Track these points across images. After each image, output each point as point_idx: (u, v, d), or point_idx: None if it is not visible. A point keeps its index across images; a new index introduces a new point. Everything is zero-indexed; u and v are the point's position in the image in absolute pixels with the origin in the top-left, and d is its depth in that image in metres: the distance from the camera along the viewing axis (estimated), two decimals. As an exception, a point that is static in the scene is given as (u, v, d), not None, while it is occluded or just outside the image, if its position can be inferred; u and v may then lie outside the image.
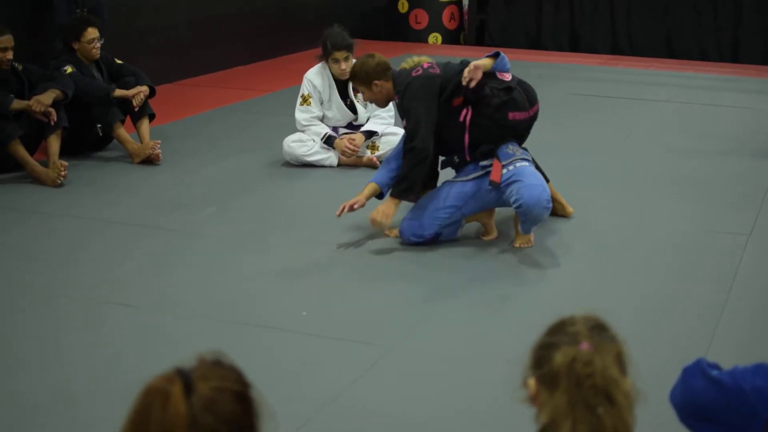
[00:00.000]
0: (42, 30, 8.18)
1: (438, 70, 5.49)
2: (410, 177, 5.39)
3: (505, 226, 5.67)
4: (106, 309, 4.58)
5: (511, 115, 5.43)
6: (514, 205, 5.28)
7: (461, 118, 5.42)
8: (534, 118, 5.60)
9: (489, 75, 5.43)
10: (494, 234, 5.58)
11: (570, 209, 5.92)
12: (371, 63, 5.59)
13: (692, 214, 6.09)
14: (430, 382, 3.92)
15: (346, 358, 4.11)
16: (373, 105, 6.25)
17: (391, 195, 5.44)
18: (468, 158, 5.49)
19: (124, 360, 4.03)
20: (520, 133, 5.59)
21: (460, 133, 5.43)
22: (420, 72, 5.48)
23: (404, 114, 5.48)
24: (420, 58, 5.74)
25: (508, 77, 5.49)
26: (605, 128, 8.47)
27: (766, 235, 5.73)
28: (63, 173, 6.43)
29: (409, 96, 5.43)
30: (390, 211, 5.39)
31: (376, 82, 5.56)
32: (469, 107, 5.42)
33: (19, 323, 4.43)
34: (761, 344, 4.30)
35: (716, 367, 2.43)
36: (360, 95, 6.03)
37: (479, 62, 5.37)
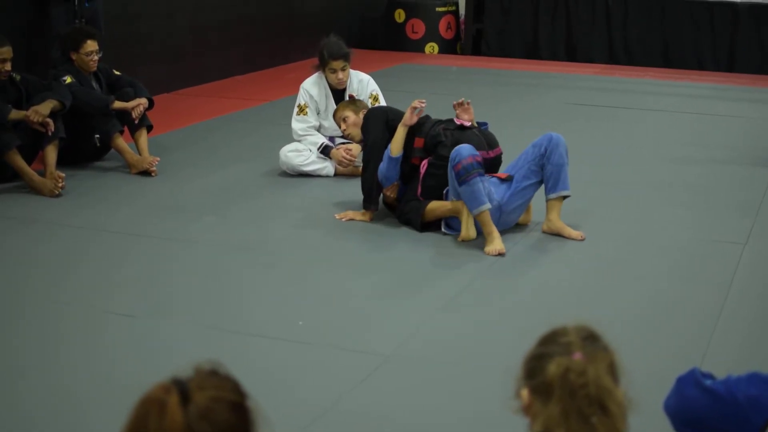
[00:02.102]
0: (37, 38, 8.18)
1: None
2: (364, 188, 6.04)
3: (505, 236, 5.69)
4: (103, 318, 4.58)
5: None
6: (546, 140, 5.74)
7: (420, 168, 5.90)
8: (496, 161, 5.93)
9: (447, 121, 5.96)
10: (466, 235, 5.61)
11: (529, 218, 6.00)
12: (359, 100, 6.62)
13: (689, 222, 6.11)
14: (427, 391, 3.92)
15: (343, 366, 4.12)
16: None
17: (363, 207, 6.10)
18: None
19: (121, 368, 4.04)
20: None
21: (415, 183, 5.91)
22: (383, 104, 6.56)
23: (362, 133, 6.19)
24: None
25: (466, 123, 5.91)
26: (601, 137, 8.49)
27: (762, 243, 5.75)
28: (60, 184, 6.44)
29: (365, 118, 6.17)
30: (358, 214, 6.07)
31: (364, 109, 6.33)
32: (426, 160, 5.88)
33: (17, 331, 4.44)
34: (757, 351, 4.31)
35: (710, 376, 2.45)
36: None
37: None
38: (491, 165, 5.84)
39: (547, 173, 5.72)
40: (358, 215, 6.05)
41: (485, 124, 6.06)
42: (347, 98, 7.03)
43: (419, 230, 5.79)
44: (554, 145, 5.72)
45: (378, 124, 6.02)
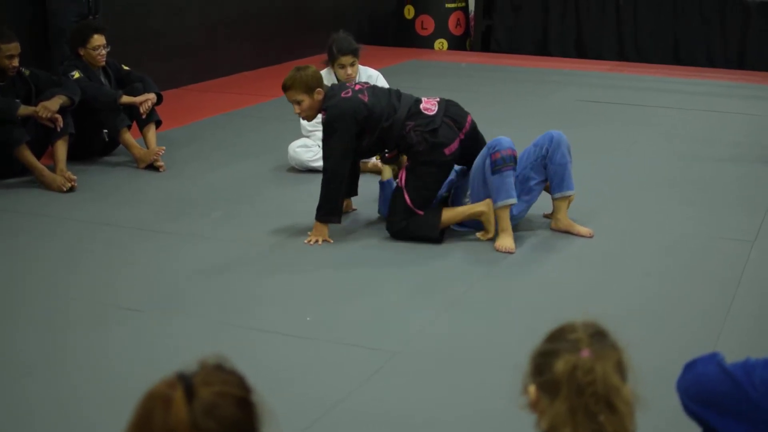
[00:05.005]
0: (37, 34, 8.15)
1: (366, 98, 5.56)
2: (328, 200, 5.55)
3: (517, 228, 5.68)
4: (110, 312, 4.59)
5: (447, 152, 5.58)
6: (546, 140, 5.64)
7: (400, 182, 5.65)
8: (471, 131, 5.71)
9: (414, 114, 5.58)
10: (491, 234, 5.60)
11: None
12: (309, 72, 5.57)
13: (697, 220, 6.10)
14: (434, 387, 3.92)
15: (351, 362, 4.12)
16: None
17: (317, 219, 5.59)
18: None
19: (128, 363, 4.04)
20: (468, 155, 5.71)
21: (401, 197, 5.62)
22: (349, 94, 5.56)
23: (324, 132, 5.59)
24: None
25: (432, 109, 5.60)
26: (611, 134, 8.47)
27: (771, 242, 5.74)
28: (72, 185, 6.45)
29: (329, 117, 5.51)
30: (323, 232, 5.59)
31: (319, 89, 5.55)
32: (403, 171, 5.65)
33: (23, 326, 4.44)
34: (765, 349, 4.29)
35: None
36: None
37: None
38: (473, 136, 5.71)
39: (550, 173, 5.67)
40: (321, 235, 5.60)
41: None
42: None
43: (439, 242, 5.60)
44: (555, 145, 5.65)
45: (348, 129, 5.51)
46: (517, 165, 5.61)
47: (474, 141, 5.73)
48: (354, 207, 6.16)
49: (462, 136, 5.63)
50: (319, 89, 5.54)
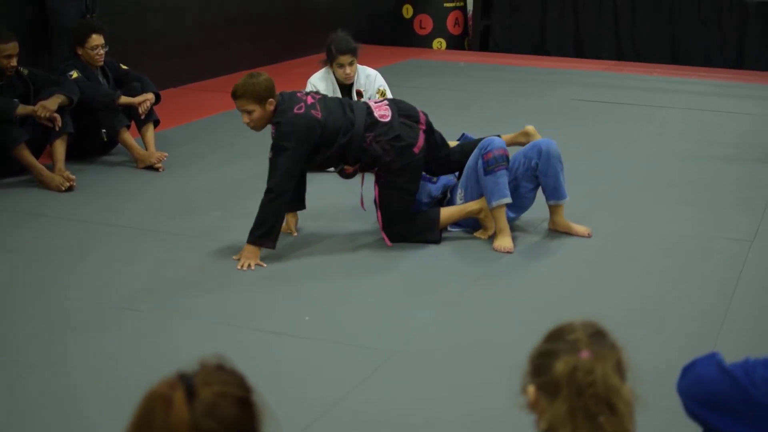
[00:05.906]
0: (37, 34, 8.14)
1: (320, 114, 5.33)
2: (267, 221, 5.23)
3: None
4: (110, 313, 4.59)
5: (416, 150, 5.47)
6: (535, 153, 5.57)
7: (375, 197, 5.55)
8: (427, 121, 5.58)
9: (371, 124, 5.42)
10: (491, 231, 5.60)
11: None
12: (262, 80, 5.27)
13: (695, 220, 6.10)
14: (432, 387, 3.92)
15: (349, 362, 4.12)
16: None
17: (248, 242, 5.24)
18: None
19: (127, 363, 4.04)
20: (433, 149, 5.61)
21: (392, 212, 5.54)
22: (302, 110, 5.30)
23: (273, 149, 5.30)
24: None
25: (387, 116, 5.46)
26: (609, 134, 8.48)
27: (769, 241, 5.74)
28: (71, 184, 6.45)
29: (281, 134, 5.26)
30: (255, 255, 5.22)
31: (270, 99, 5.27)
32: (376, 185, 5.53)
33: (22, 326, 4.44)
34: (764, 349, 4.30)
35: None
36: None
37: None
38: (430, 127, 5.59)
39: (543, 184, 5.65)
40: (253, 258, 5.23)
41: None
42: (354, 93, 7.02)
43: (438, 242, 5.58)
44: (545, 159, 5.59)
45: (299, 150, 5.26)
46: (509, 166, 5.57)
47: (432, 132, 5.62)
48: (297, 229, 5.75)
49: (423, 127, 5.52)
50: (270, 99, 5.26)
